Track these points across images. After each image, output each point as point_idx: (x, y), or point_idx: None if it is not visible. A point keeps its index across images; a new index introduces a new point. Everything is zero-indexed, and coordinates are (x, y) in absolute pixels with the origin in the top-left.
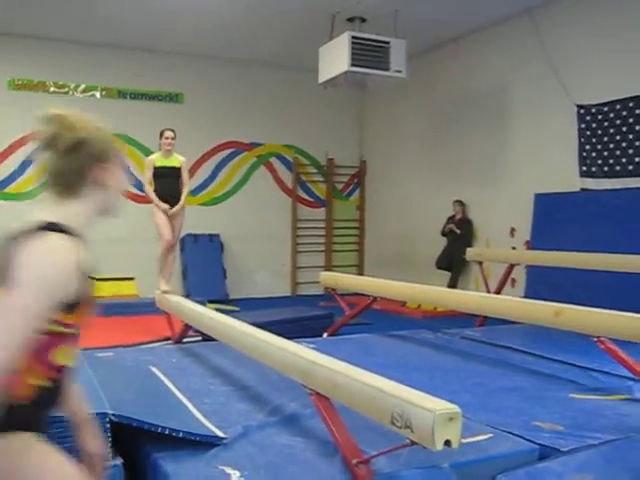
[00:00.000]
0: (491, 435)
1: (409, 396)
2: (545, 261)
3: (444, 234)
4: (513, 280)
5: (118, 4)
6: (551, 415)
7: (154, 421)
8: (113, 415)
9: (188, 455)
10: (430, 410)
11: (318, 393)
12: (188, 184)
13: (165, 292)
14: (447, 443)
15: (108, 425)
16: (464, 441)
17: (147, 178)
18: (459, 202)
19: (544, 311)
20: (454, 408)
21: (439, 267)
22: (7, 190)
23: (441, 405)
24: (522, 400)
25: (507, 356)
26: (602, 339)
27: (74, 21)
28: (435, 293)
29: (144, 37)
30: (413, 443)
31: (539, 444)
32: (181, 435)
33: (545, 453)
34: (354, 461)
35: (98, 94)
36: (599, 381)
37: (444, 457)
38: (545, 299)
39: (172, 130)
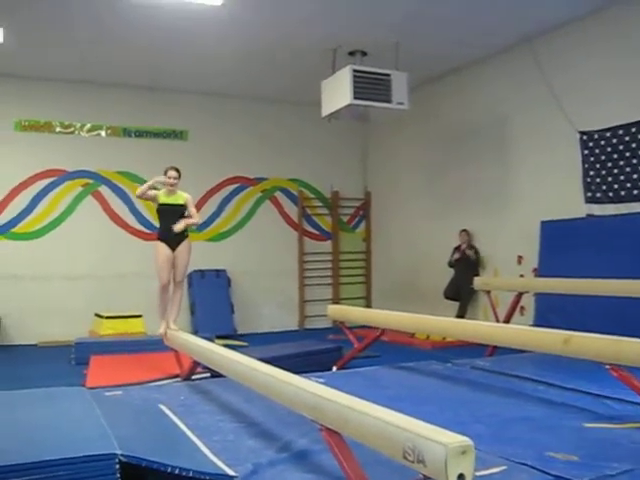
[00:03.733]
0: (505, 467)
1: (421, 430)
2: (553, 288)
3: (451, 265)
4: (522, 308)
5: (120, 44)
6: (565, 445)
7: (163, 460)
8: (122, 455)
9: None
10: (442, 444)
11: (328, 428)
12: (197, 216)
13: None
14: (461, 477)
15: (117, 465)
16: (478, 474)
17: (144, 186)
18: (465, 231)
19: (553, 339)
20: (467, 441)
21: (447, 297)
22: (15, 230)
23: (453, 438)
24: (535, 430)
25: (518, 385)
26: (614, 367)
27: (79, 61)
28: (443, 323)
29: (148, 76)
30: (426, 478)
31: (554, 475)
32: (191, 474)
33: None
34: None
35: (103, 133)
36: (612, 409)
37: None
38: (555, 326)
39: (176, 169)
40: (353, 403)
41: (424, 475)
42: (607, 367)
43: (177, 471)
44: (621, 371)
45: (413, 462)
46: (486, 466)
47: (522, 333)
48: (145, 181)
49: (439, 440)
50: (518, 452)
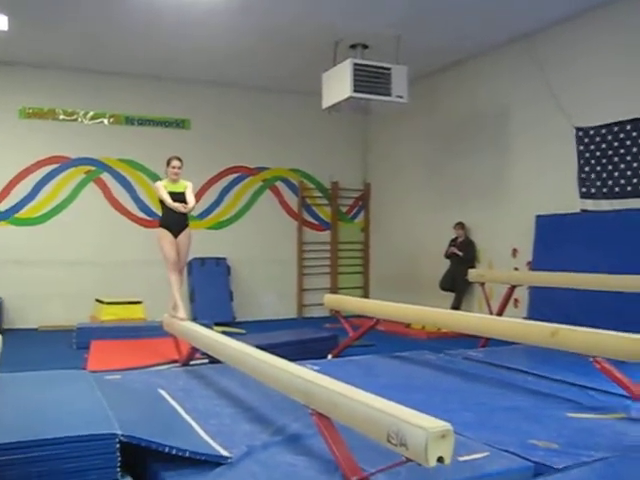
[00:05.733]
0: (488, 453)
1: (404, 415)
2: (546, 282)
3: (447, 256)
4: (516, 301)
5: (123, 34)
6: (548, 434)
7: (162, 441)
8: (122, 435)
9: (194, 474)
10: (423, 428)
11: (319, 413)
12: (191, 202)
13: (174, 317)
14: (440, 460)
15: (118, 445)
16: (461, 459)
17: (164, 196)
18: (460, 224)
19: (541, 332)
20: (446, 426)
21: (443, 288)
22: (18, 215)
23: (434, 423)
24: (520, 419)
25: (508, 376)
26: (598, 359)
27: (82, 50)
28: (436, 315)
29: (151, 65)
30: (408, 460)
31: (534, 462)
32: (187, 455)
33: (540, 471)
34: (353, 478)
35: (106, 121)
36: (597, 400)
37: (441, 475)
38: (548, 319)
39: (179, 159)
40: (342, 389)
41: (406, 457)
42: (591, 359)
43: (174, 451)
44: (604, 364)
45: (396, 445)
46: (469, 452)
47: (511, 325)
48: (147, 170)
49: (420, 425)
50: (502, 439)
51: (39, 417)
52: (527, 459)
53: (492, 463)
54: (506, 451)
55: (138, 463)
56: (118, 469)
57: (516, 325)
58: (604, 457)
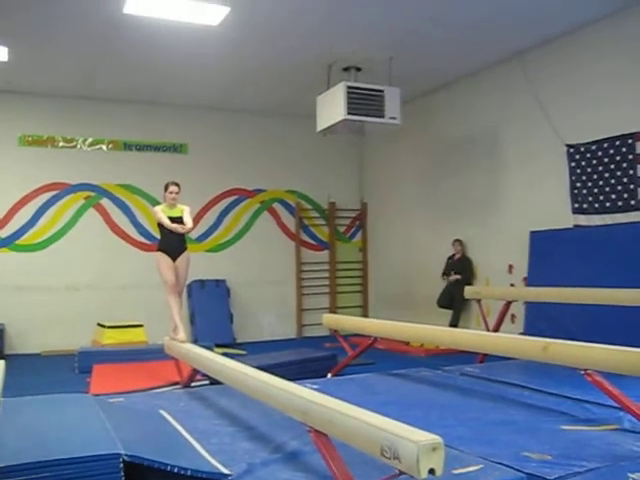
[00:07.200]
0: (482, 466)
1: (396, 429)
2: (540, 297)
3: (445, 274)
4: (513, 316)
5: (121, 62)
6: (541, 446)
7: (164, 460)
8: (126, 455)
9: None
10: (414, 441)
11: (316, 430)
12: (189, 224)
13: (174, 339)
14: (431, 471)
15: (121, 465)
16: (455, 472)
17: (163, 219)
18: (458, 241)
19: (533, 346)
20: (437, 439)
21: (440, 306)
22: (19, 242)
23: (425, 437)
24: (515, 432)
25: (504, 391)
26: (589, 372)
27: (80, 78)
28: (432, 332)
29: (148, 91)
30: (401, 473)
31: (527, 473)
32: (189, 473)
33: None
34: None
35: (105, 147)
36: (590, 412)
37: None
38: (544, 334)
39: (176, 184)
40: (338, 406)
41: (399, 470)
42: (582, 372)
43: (176, 470)
44: (595, 376)
45: (390, 459)
46: (463, 465)
47: (504, 341)
48: (146, 194)
49: (412, 438)
50: (496, 452)
51: (43, 440)
52: (520, 470)
53: (485, 475)
54: (500, 463)
55: None
56: None
57: (509, 340)
58: (596, 467)
